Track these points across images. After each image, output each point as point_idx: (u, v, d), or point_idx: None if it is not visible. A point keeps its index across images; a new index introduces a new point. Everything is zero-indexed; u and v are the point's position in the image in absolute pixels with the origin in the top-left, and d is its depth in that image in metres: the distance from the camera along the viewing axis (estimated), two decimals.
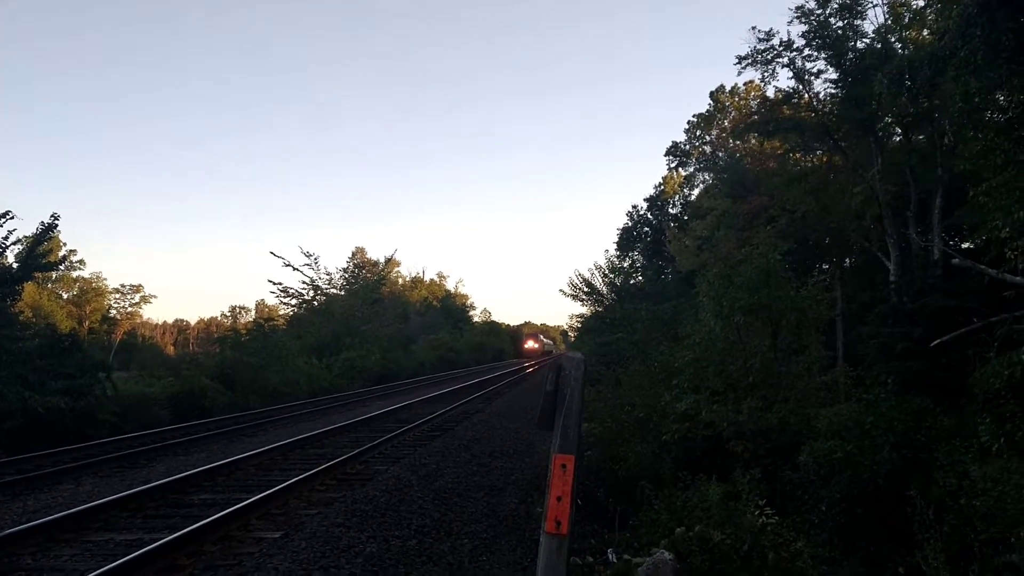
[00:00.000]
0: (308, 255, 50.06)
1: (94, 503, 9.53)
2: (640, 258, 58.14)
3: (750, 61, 27.24)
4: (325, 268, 58.16)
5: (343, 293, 52.40)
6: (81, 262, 67.34)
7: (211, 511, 9.30)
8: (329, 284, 51.58)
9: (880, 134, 25.34)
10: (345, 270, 57.50)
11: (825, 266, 30.54)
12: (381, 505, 9.97)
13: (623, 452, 14.40)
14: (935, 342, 15.44)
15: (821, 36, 25.02)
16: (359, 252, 73.78)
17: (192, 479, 11.57)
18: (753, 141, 39.69)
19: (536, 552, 5.21)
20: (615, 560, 8.44)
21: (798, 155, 32.57)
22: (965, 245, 23.35)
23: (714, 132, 50.29)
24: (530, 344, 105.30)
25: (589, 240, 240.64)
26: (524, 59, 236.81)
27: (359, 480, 11.86)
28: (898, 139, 26.68)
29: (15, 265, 22.02)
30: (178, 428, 19.27)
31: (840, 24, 24.97)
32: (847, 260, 29.92)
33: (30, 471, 12.80)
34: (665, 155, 54.51)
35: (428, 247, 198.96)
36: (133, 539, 8.28)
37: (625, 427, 15.66)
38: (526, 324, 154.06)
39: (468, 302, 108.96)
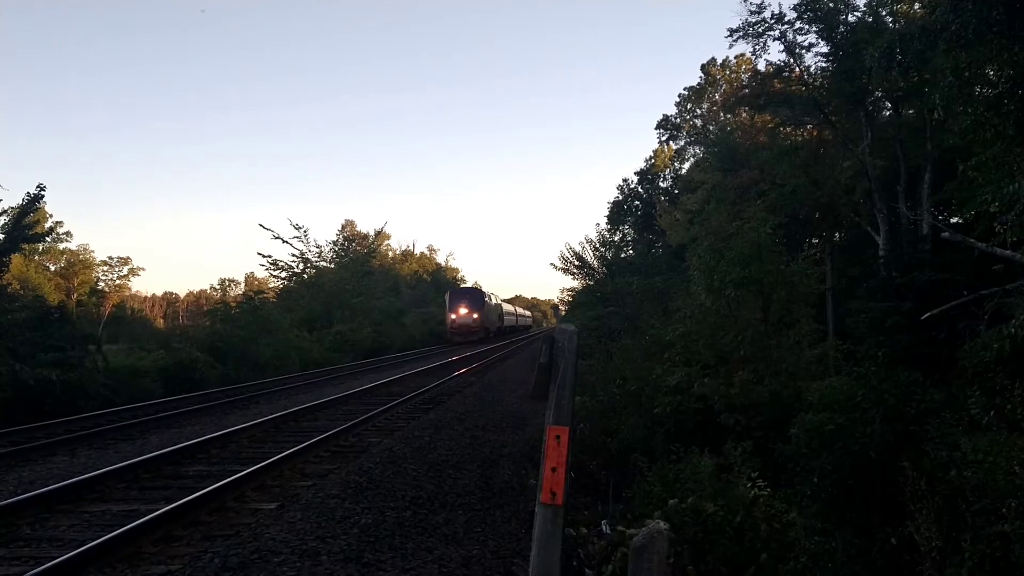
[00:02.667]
0: (297, 228, 49.82)
1: (90, 474, 9.57)
2: (631, 232, 58.10)
3: (741, 34, 27.03)
4: (315, 241, 58.01)
5: (333, 266, 52.27)
6: (68, 234, 66.83)
7: (206, 482, 9.35)
8: (319, 257, 51.50)
9: (870, 108, 25.30)
10: (335, 243, 57.51)
11: (815, 240, 30.62)
12: (375, 477, 10.03)
13: (616, 425, 14.48)
14: (925, 315, 15.54)
15: (812, 9, 24.86)
16: (349, 225, 73.73)
17: (186, 451, 11.61)
18: (744, 115, 39.62)
19: (531, 523, 5.27)
20: (609, 531, 8.52)
21: (788, 129, 32.50)
22: (954, 219, 23.40)
23: (705, 106, 50.19)
24: (461, 314, 55.41)
25: (580, 214, 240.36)
26: (514, 31, 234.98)
27: (353, 452, 11.92)
28: (888, 113, 26.66)
29: (1, 237, 21.82)
30: (170, 401, 19.28)
31: None
32: (837, 234, 29.97)
33: (23, 443, 12.80)
34: (656, 128, 54.44)
35: (419, 221, 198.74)
36: (130, 510, 8.33)
37: (617, 400, 15.75)
38: (517, 297, 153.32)
39: (459, 276, 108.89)
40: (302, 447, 11.49)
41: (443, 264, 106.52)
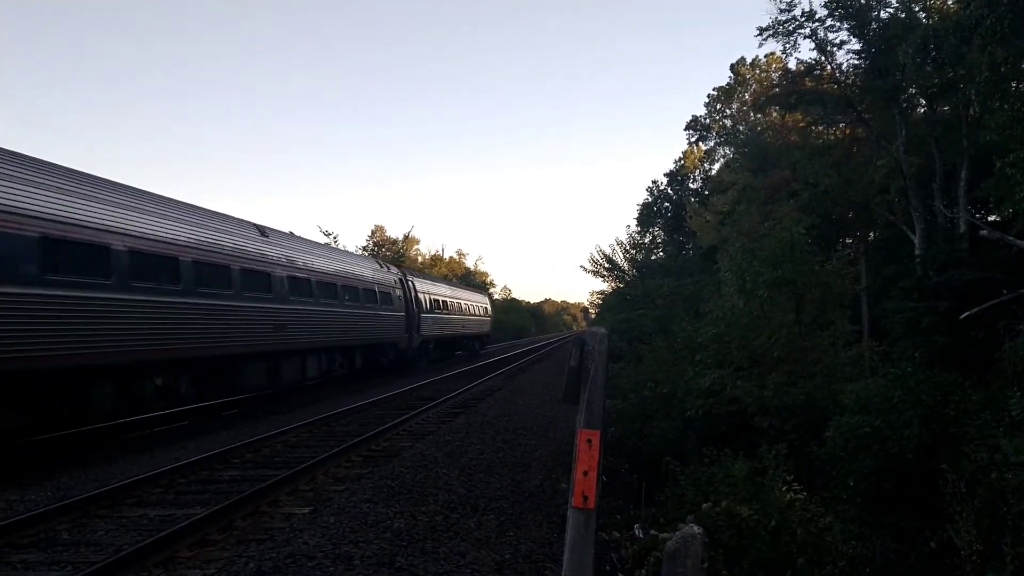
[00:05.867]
0: (327, 234, 50.23)
1: (127, 480, 9.70)
2: (661, 234, 57.86)
3: (771, 33, 26.88)
4: (344, 246, 58.45)
5: None
6: None
7: (241, 487, 9.44)
8: None
9: (904, 105, 24.99)
10: (365, 248, 57.74)
11: (849, 240, 30.27)
12: (407, 481, 10.04)
13: (647, 428, 14.39)
14: (964, 315, 15.28)
15: (844, 6, 24.64)
16: (379, 230, 73.80)
17: (221, 456, 11.72)
18: (774, 114, 39.29)
19: (563, 528, 5.24)
20: (642, 535, 8.46)
21: (820, 128, 32.21)
22: (992, 217, 23.00)
23: (735, 105, 49.84)
24: None
25: (611, 217, 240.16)
26: (544, 35, 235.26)
27: (385, 457, 11.95)
28: (922, 110, 26.32)
29: None
30: (204, 407, 19.44)
31: None
32: (871, 234, 29.61)
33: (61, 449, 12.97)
34: (685, 129, 54.27)
35: (448, 225, 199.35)
36: (166, 515, 8.42)
37: (648, 403, 15.66)
38: (546, 301, 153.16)
39: (488, 279, 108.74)
40: (335, 452, 11.57)
41: (472, 268, 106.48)
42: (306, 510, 8.60)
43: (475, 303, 47.35)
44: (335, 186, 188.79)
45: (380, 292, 27.17)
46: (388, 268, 30.50)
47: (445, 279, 53.74)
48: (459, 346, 43.51)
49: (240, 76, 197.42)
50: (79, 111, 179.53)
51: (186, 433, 15.21)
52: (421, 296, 33.04)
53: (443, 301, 37.70)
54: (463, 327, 42.40)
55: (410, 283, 31.93)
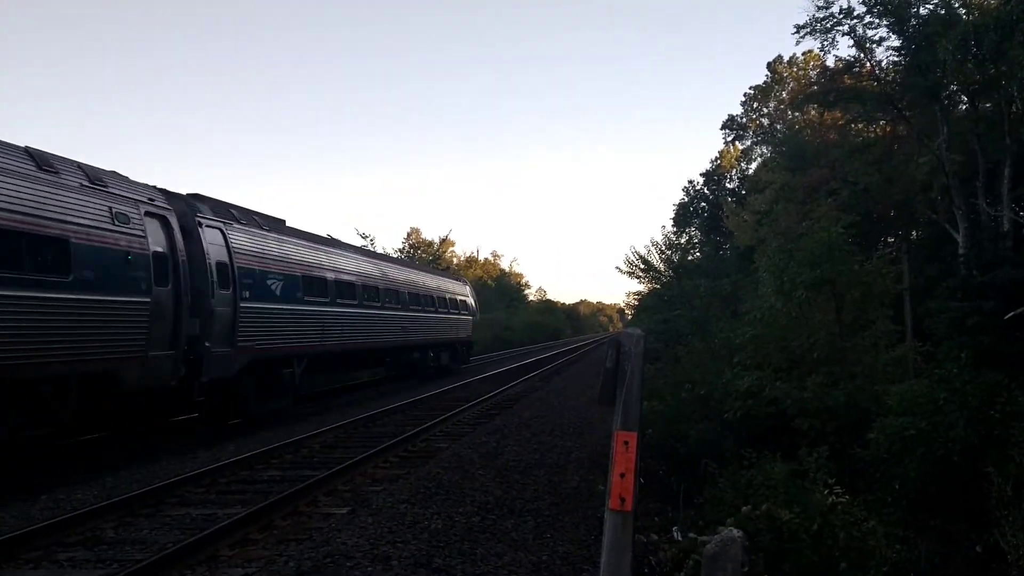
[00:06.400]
0: (364, 236, 50.50)
1: (170, 480, 9.85)
2: (697, 234, 57.38)
3: (809, 30, 26.54)
4: (382, 248, 58.82)
5: None
6: None
7: (280, 487, 9.54)
8: None
9: (946, 102, 24.52)
10: (401, 251, 58.09)
11: (890, 239, 29.78)
12: (444, 482, 10.07)
13: (684, 430, 14.29)
14: (1008, 315, 14.97)
15: (882, 2, 24.27)
16: (414, 232, 74.11)
17: (261, 457, 11.87)
18: (812, 112, 38.81)
19: (600, 530, 5.22)
20: (680, 538, 8.41)
21: (860, 126, 31.76)
22: None
23: (771, 104, 49.30)
24: None
25: (646, 218, 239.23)
26: (578, 33, 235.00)
27: (422, 458, 12.01)
28: (964, 107, 25.81)
29: None
30: None
31: None
32: (913, 233, 29.09)
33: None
34: (721, 128, 53.79)
35: (484, 228, 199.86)
36: (208, 514, 8.54)
37: (686, 405, 15.55)
38: (582, 302, 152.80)
39: (523, 281, 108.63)
40: (372, 453, 11.66)
41: (507, 269, 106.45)
42: (344, 510, 8.66)
43: (437, 292, 29.75)
44: (373, 188, 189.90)
45: None
46: (84, 177, 11.44)
47: (360, 248, 27.68)
48: (410, 363, 27.01)
49: (275, 78, 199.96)
50: (126, 115, 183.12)
51: (226, 434, 15.40)
52: (246, 262, 15.48)
53: (337, 280, 19.84)
54: (403, 331, 24.67)
55: (202, 232, 14.26)
